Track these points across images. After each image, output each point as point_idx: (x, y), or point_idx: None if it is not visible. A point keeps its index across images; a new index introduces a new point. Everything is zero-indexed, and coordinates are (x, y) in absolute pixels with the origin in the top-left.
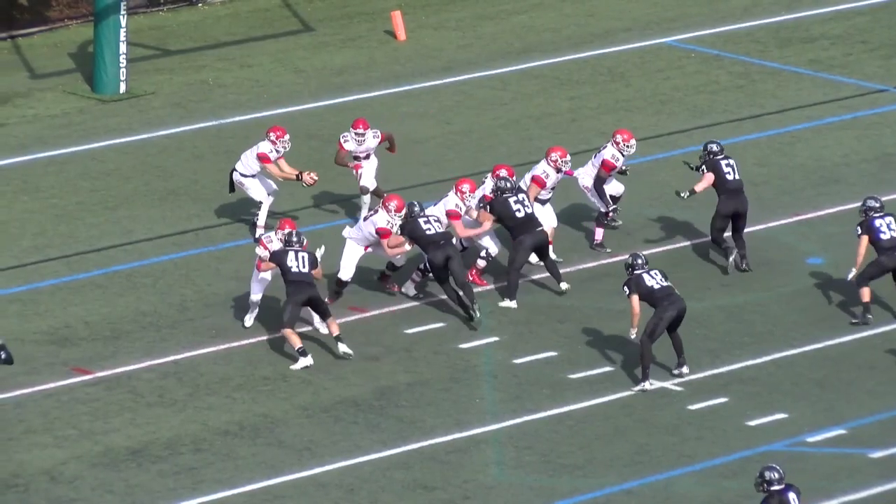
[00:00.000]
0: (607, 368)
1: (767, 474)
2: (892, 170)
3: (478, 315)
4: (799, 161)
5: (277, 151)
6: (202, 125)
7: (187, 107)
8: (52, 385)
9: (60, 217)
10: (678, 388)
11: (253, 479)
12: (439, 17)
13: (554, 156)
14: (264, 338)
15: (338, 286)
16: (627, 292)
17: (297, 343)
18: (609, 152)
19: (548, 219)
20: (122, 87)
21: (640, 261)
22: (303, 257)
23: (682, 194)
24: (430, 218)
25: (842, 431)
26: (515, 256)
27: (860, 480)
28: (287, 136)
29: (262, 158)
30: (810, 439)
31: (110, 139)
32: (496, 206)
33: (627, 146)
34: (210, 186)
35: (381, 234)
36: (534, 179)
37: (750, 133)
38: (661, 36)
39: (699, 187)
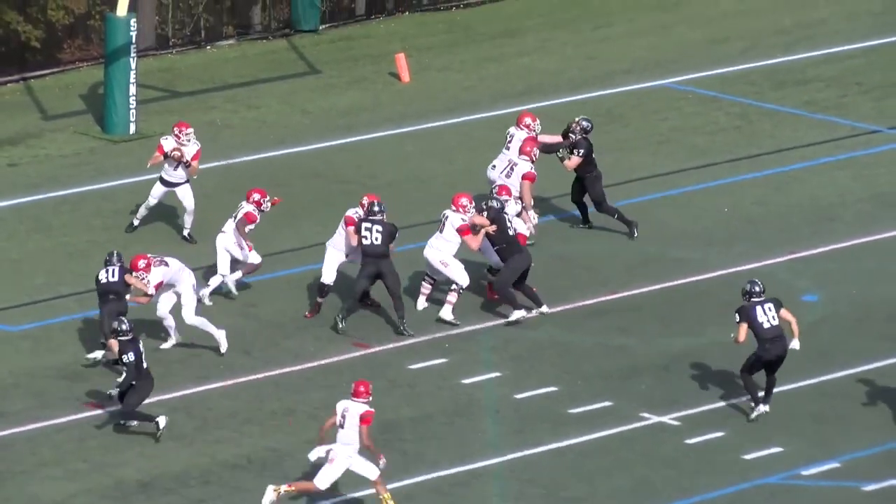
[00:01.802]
0: (607, 403)
1: (748, 286)
2: (887, 208)
3: (408, 331)
4: (795, 200)
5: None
6: (210, 165)
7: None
8: (63, 419)
9: (72, 255)
10: (676, 423)
11: None
12: (443, 60)
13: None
14: (272, 373)
15: (320, 292)
16: (738, 319)
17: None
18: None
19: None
20: (132, 128)
21: (757, 289)
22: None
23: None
24: (373, 227)
25: (836, 465)
26: (505, 277)
27: None
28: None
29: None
30: (805, 472)
31: (121, 179)
32: (491, 213)
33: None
34: (217, 224)
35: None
36: (525, 177)
37: (747, 173)
38: (660, 78)
39: (571, 165)
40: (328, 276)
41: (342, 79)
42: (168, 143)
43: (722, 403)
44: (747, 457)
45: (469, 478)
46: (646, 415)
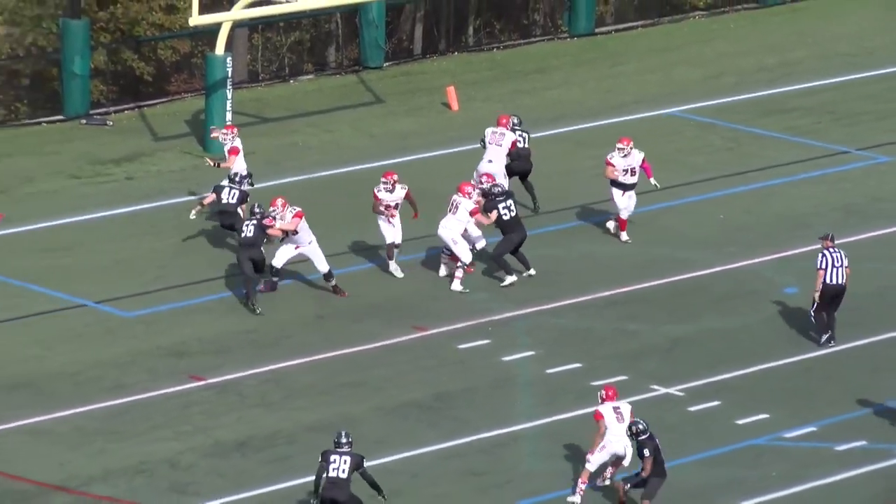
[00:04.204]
0: (622, 377)
1: (635, 428)
2: (854, 216)
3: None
4: (777, 209)
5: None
6: (292, 179)
7: (280, 164)
8: (172, 389)
9: (178, 253)
10: (680, 394)
11: None
12: (486, 92)
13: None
14: (344, 351)
15: (271, 272)
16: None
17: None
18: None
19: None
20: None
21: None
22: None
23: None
24: (250, 224)
25: (813, 429)
26: (501, 247)
27: (828, 469)
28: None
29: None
30: (787, 435)
31: None
32: (489, 205)
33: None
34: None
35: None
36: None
37: (738, 186)
38: (665, 108)
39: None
40: (278, 262)
41: (402, 107)
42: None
43: (717, 378)
44: (739, 422)
45: (508, 439)
46: (654, 387)
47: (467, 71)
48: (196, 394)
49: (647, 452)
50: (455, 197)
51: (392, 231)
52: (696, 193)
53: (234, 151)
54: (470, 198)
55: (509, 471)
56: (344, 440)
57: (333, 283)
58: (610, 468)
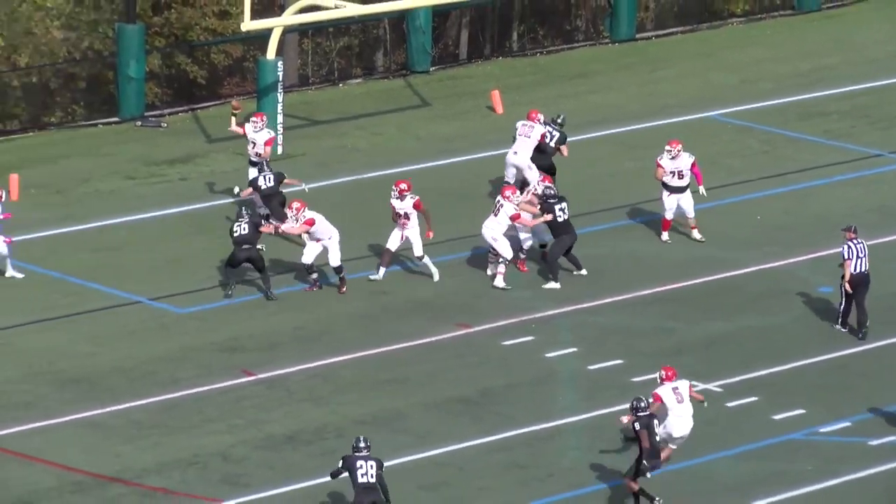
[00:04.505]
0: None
1: (636, 403)
2: (890, 218)
3: (273, 296)
4: (813, 211)
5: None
6: (341, 180)
7: (330, 166)
8: (224, 384)
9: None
10: (719, 390)
11: (384, 459)
12: (530, 96)
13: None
14: (390, 347)
15: (307, 270)
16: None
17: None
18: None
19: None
20: (280, 150)
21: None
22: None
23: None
24: (242, 223)
25: (847, 424)
26: (555, 250)
27: (862, 463)
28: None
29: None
30: (822, 430)
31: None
32: (546, 207)
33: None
34: (347, 229)
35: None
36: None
37: (775, 188)
38: (704, 111)
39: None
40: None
41: (448, 111)
42: (248, 128)
43: (754, 374)
44: (775, 417)
45: (551, 434)
46: (693, 383)
47: (511, 75)
48: (247, 388)
49: (637, 426)
50: (499, 199)
51: (394, 238)
52: (734, 195)
53: (269, 143)
54: (511, 202)
55: (552, 464)
56: (363, 444)
57: (342, 275)
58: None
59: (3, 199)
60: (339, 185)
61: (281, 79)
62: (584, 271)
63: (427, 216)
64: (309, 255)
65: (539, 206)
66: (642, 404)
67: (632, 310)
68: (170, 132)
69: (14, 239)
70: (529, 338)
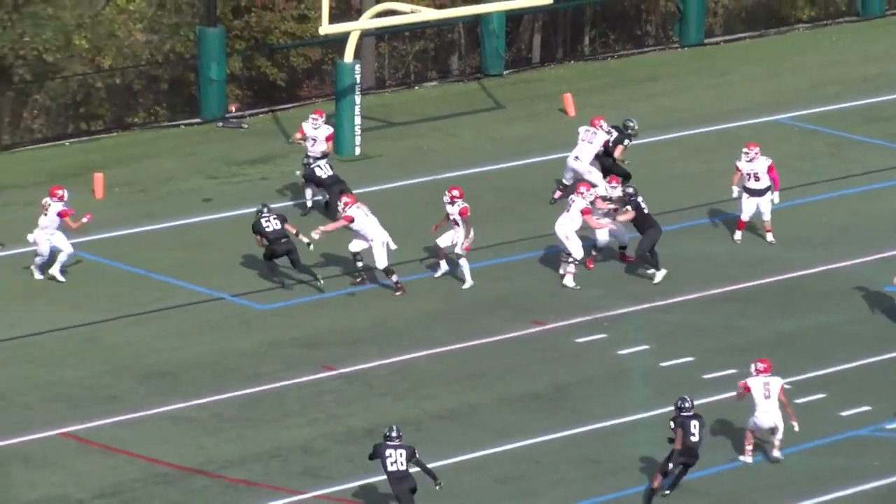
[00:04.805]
0: (731, 371)
1: (680, 402)
2: None
3: (321, 282)
4: (879, 212)
5: None
6: (418, 181)
7: (406, 167)
8: (305, 379)
9: (316, 248)
10: (787, 387)
11: (461, 452)
12: (601, 99)
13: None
14: (468, 343)
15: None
16: None
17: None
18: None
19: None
20: (357, 151)
21: None
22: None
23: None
24: (270, 217)
25: None
26: (644, 244)
27: None
28: None
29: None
30: (888, 426)
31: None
32: (628, 203)
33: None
34: (423, 227)
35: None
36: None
37: (840, 190)
38: (772, 115)
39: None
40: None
41: (521, 113)
42: (306, 127)
43: (822, 371)
44: (842, 414)
45: (624, 428)
46: (787, 385)
47: (583, 78)
48: (328, 383)
49: (672, 424)
50: (571, 196)
51: (445, 238)
52: (802, 196)
53: (330, 137)
54: (584, 197)
55: (623, 459)
56: (395, 434)
57: (393, 278)
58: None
59: (64, 199)
60: (415, 185)
61: (358, 81)
62: (660, 274)
63: (468, 228)
64: (355, 246)
65: (623, 203)
66: (686, 404)
67: (702, 308)
68: (250, 133)
69: (100, 236)
70: (602, 335)
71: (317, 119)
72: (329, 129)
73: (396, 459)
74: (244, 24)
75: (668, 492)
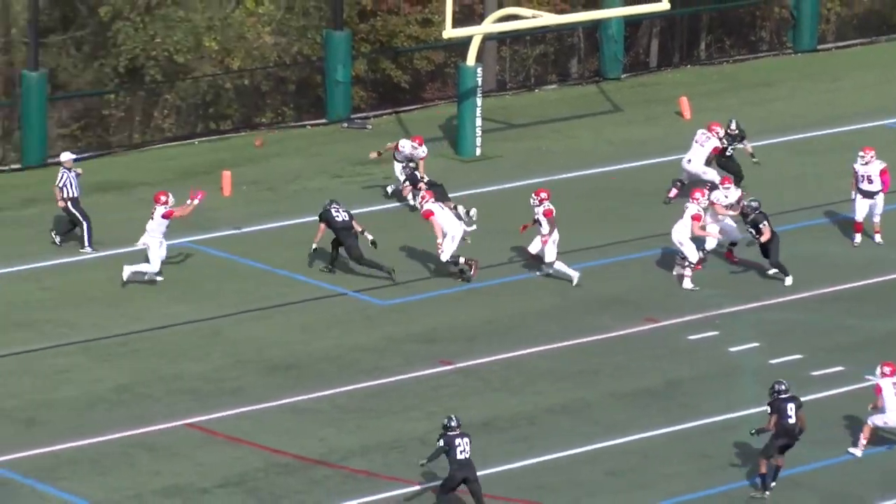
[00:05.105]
0: (839, 368)
1: (776, 385)
2: None
3: (394, 272)
4: None
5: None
6: (536, 181)
7: (525, 167)
8: (423, 373)
9: (432, 247)
10: None
11: (574, 446)
12: (716, 103)
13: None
14: (581, 340)
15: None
16: None
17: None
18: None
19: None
20: (478, 151)
21: None
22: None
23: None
24: (339, 208)
25: None
26: (777, 253)
27: None
28: None
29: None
30: None
31: (469, 189)
32: (759, 218)
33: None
34: (536, 227)
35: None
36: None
37: None
38: (883, 119)
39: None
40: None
41: (638, 116)
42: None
43: None
44: None
45: (737, 422)
46: (868, 377)
47: (699, 83)
48: (445, 377)
49: (769, 409)
50: (686, 202)
51: (534, 244)
52: None
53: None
54: (698, 203)
55: (735, 453)
56: (455, 423)
57: (459, 267)
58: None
59: (168, 203)
60: (535, 185)
61: (480, 84)
62: (789, 280)
63: (552, 229)
64: (445, 251)
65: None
66: (781, 387)
67: (812, 307)
68: (374, 133)
69: (225, 233)
70: (714, 333)
71: (416, 146)
72: (425, 153)
73: (465, 448)
74: (370, 28)
75: (773, 483)
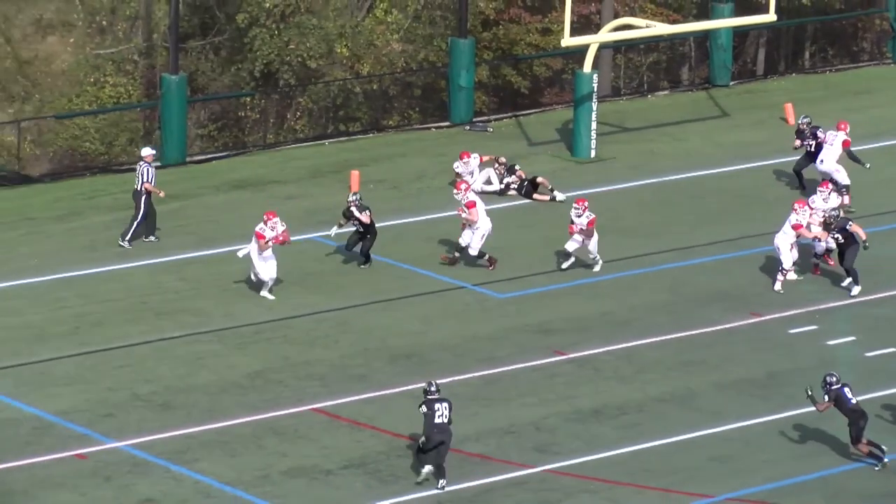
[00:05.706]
0: None
1: (829, 378)
2: None
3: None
4: None
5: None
6: (648, 181)
7: (638, 168)
8: (538, 362)
9: (547, 243)
10: None
11: (679, 433)
12: (818, 109)
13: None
14: (688, 332)
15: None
16: None
17: None
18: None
19: None
20: (593, 153)
21: None
22: None
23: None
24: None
25: None
26: (853, 259)
27: None
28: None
29: None
30: None
31: (584, 189)
32: (842, 223)
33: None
34: (648, 226)
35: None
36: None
37: None
38: None
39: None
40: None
41: (745, 121)
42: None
43: None
44: None
45: (833, 412)
46: None
47: (803, 90)
48: (558, 367)
49: (826, 398)
50: (791, 214)
51: (572, 243)
52: None
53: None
54: (798, 214)
55: (829, 441)
56: (434, 388)
57: (486, 258)
58: None
59: (267, 224)
60: (646, 185)
61: (595, 90)
62: (857, 289)
63: (590, 236)
64: (474, 246)
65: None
66: (833, 378)
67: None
68: (495, 136)
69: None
70: (813, 327)
71: (467, 161)
72: (472, 166)
73: (443, 412)
74: (492, 36)
75: (881, 451)
